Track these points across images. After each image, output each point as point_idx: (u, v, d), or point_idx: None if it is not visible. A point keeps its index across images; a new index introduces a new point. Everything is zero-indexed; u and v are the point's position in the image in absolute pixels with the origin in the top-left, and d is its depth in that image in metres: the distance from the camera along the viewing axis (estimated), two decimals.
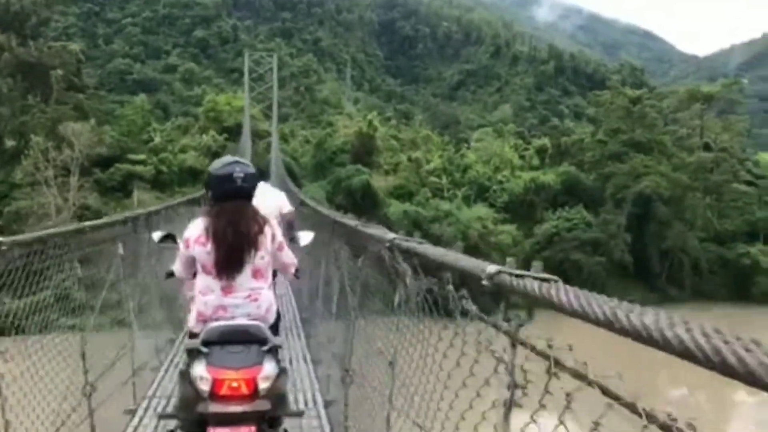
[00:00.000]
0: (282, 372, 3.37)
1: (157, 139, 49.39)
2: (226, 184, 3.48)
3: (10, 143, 44.32)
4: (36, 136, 41.25)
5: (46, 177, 40.45)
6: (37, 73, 45.19)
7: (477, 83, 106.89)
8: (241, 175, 3.47)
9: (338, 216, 7.04)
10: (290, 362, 7.68)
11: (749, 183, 51.71)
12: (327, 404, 6.24)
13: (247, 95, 57.24)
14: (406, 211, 43.45)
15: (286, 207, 7.03)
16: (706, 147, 51.28)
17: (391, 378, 3.60)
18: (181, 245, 3.64)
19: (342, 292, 5.89)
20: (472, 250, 45.13)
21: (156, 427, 5.47)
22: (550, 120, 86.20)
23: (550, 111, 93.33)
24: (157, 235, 4.41)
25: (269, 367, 3.23)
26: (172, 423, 3.66)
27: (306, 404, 6.32)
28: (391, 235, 3.57)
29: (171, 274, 3.93)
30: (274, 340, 3.37)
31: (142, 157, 45.94)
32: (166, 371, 7.32)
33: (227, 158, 3.68)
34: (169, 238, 4.28)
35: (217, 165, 3.61)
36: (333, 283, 6.68)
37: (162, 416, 4.90)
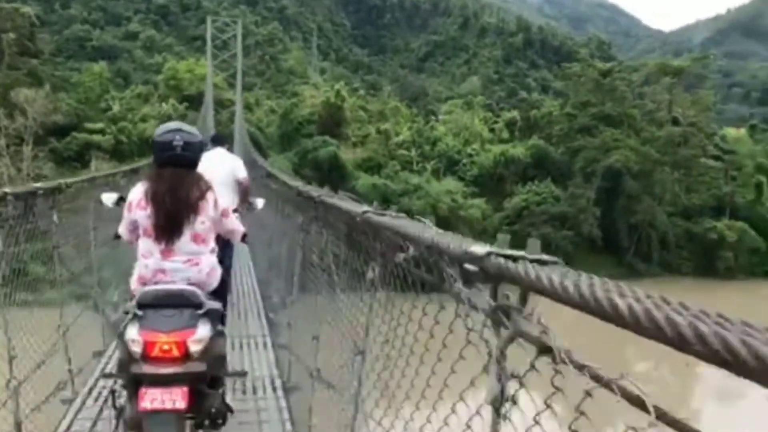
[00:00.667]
0: (218, 334, 3.37)
1: (116, 108, 47.25)
2: (165, 151, 3.49)
3: None
4: None
5: None
6: None
7: (445, 55, 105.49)
8: (181, 143, 3.46)
9: (303, 186, 6.49)
10: (248, 345, 7.41)
11: (716, 158, 51.53)
12: (288, 390, 5.87)
13: (210, 63, 54.67)
14: (375, 185, 42.35)
15: (242, 173, 6.99)
16: (674, 121, 50.91)
17: (360, 368, 3.35)
18: (125, 209, 3.65)
19: (305, 269, 5.67)
20: (441, 224, 44.23)
21: (101, 391, 5.41)
22: (517, 93, 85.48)
23: (518, 84, 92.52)
24: (109, 198, 4.41)
25: (203, 330, 3.23)
26: (114, 382, 3.71)
27: (264, 390, 5.97)
28: (364, 207, 3.26)
29: (118, 236, 3.89)
30: (210, 304, 3.35)
31: (100, 125, 43.83)
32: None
33: (171, 124, 3.63)
34: (123, 200, 4.12)
35: (159, 131, 3.59)
36: (296, 259, 6.27)
37: (104, 375, 5.03)
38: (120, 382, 3.49)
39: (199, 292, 3.36)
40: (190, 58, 65.54)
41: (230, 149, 8.52)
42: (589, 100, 49.68)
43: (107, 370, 5.78)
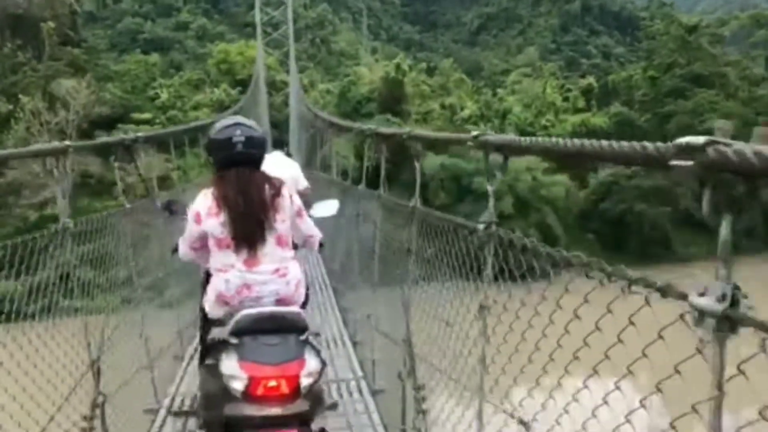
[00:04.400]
0: (324, 366, 2.84)
1: (165, 96, 42.77)
2: (225, 150, 3.06)
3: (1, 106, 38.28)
4: (27, 97, 35.19)
5: (40, 142, 34.56)
6: (26, 26, 38.69)
7: (499, 26, 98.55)
8: (242, 138, 3.03)
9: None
10: (327, 345, 6.84)
11: None
12: (375, 394, 5.31)
13: (260, 41, 48.79)
14: (443, 164, 36.98)
15: (302, 183, 6.49)
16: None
17: (482, 360, 2.94)
18: (190, 220, 3.12)
19: (391, 257, 5.09)
20: (521, 205, 39.12)
21: (183, 427, 4.80)
22: (578, 62, 78.96)
23: (578, 52, 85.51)
24: (159, 202, 4.18)
25: (312, 362, 2.73)
26: (191, 422, 3.41)
27: (351, 394, 5.39)
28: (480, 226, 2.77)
29: (175, 250, 3.37)
30: (314, 328, 2.99)
31: (147, 115, 39.54)
32: (191, 360, 6.25)
33: (229, 119, 3.19)
34: (172, 204, 3.70)
35: (216, 128, 3.13)
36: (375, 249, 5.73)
37: (177, 413, 4.59)
38: (196, 420, 3.05)
39: (302, 312, 2.91)
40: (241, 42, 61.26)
41: (288, 153, 7.76)
42: (675, 60, 43.18)
43: (175, 407, 5.15)
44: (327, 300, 8.80)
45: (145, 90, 43.94)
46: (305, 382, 2.67)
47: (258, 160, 3.15)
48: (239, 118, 3.24)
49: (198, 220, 3.08)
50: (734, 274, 1.38)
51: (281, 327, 2.77)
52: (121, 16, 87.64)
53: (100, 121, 37.47)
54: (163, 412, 5.04)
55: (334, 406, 3.86)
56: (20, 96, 35.12)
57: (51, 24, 38.98)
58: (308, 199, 6.48)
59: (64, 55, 39.50)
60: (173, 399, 5.36)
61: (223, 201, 2.99)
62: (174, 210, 3.70)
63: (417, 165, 4.35)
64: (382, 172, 5.17)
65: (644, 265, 37.18)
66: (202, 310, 3.21)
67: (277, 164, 6.56)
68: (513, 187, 35.11)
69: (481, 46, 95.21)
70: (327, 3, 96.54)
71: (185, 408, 5.04)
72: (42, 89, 36.45)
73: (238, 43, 58.99)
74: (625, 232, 37.52)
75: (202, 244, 3.15)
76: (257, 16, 51.24)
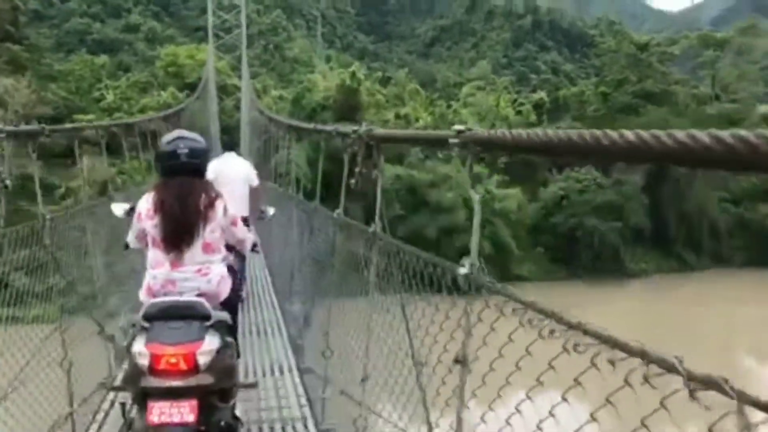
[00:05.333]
0: (226, 345, 3.20)
1: (110, 98, 40.75)
2: (171, 160, 3.38)
3: None
4: None
5: None
6: None
7: (452, 39, 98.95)
8: (185, 150, 3.36)
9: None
10: (264, 332, 7.75)
11: None
12: (303, 371, 6.08)
13: (211, 44, 46.96)
14: (399, 176, 36.17)
15: (255, 180, 6.78)
16: (717, 98, 44.70)
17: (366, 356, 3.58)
18: (134, 217, 3.53)
19: (320, 271, 5.82)
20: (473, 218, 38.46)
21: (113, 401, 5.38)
22: (527, 77, 79.48)
23: (528, 67, 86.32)
24: (120, 208, 4.21)
25: (210, 342, 3.07)
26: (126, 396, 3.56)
27: (281, 371, 6.28)
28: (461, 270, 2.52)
29: (127, 246, 3.80)
30: (218, 315, 3.20)
31: (91, 117, 37.58)
32: None
33: (174, 133, 3.51)
34: (133, 211, 3.82)
35: (164, 140, 3.47)
36: (306, 261, 6.71)
37: (113, 388, 4.98)
38: (128, 395, 3.31)
39: (206, 303, 3.21)
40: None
41: (239, 154, 7.77)
42: (626, 77, 43.37)
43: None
44: (268, 298, 9.61)
45: (91, 91, 41.77)
46: (202, 359, 2.98)
47: (200, 169, 3.45)
48: (183, 132, 3.52)
49: (139, 218, 3.44)
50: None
51: (186, 314, 3.12)
52: (68, 15, 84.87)
53: (41, 123, 35.34)
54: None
55: (253, 385, 4.11)
56: None
57: None
58: (260, 195, 6.95)
59: (3, 52, 37.19)
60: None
61: (160, 205, 3.31)
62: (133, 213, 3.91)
63: (378, 179, 3.94)
64: (343, 190, 4.94)
65: (594, 280, 37.11)
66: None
67: (230, 164, 6.86)
68: (466, 200, 34.50)
69: (435, 58, 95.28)
70: (281, 9, 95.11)
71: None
72: None
73: (188, 46, 57.14)
74: (576, 246, 37.27)
75: (142, 238, 3.48)
76: (209, 18, 49.36)
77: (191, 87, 45.71)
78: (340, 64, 77.08)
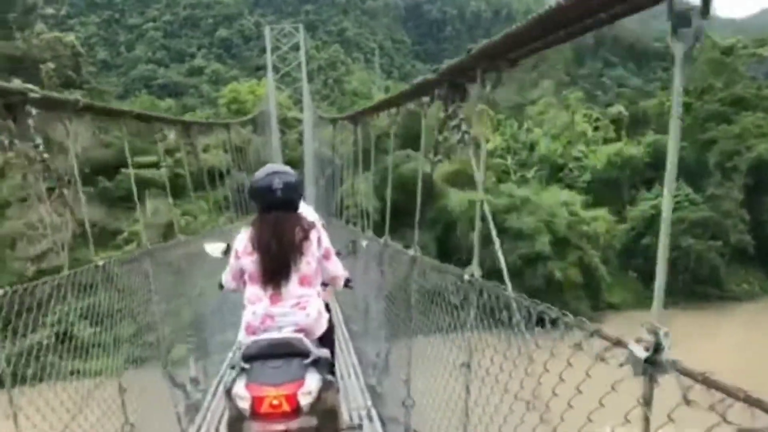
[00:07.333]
0: (327, 384, 3.01)
1: (172, 137, 39.51)
2: (266, 196, 3.38)
3: None
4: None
5: (36, 191, 31.27)
6: (25, 68, 35.66)
7: None
8: (281, 185, 3.36)
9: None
10: (341, 376, 6.92)
11: None
12: (385, 422, 5.65)
13: (270, 77, 45.03)
14: (472, 201, 33.25)
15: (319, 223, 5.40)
16: None
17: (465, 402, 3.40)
18: (232, 256, 3.51)
19: (398, 307, 5.52)
20: (560, 243, 35.23)
21: None
22: (593, 94, 75.80)
23: (593, 85, 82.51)
24: (216, 248, 4.21)
25: (311, 381, 2.91)
26: None
27: (360, 419, 5.78)
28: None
29: (221, 287, 3.71)
30: (318, 352, 3.04)
31: (153, 158, 36.22)
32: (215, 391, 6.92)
33: (268, 167, 3.50)
34: (230, 249, 3.81)
35: (257, 176, 3.45)
36: (383, 298, 6.29)
37: None
38: None
39: (305, 339, 3.09)
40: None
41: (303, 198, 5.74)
42: (711, 84, 39.45)
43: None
44: (342, 338, 8.98)
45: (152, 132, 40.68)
46: (304, 400, 2.84)
47: (295, 203, 3.45)
48: (276, 166, 3.52)
49: (237, 256, 3.43)
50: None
51: (285, 351, 2.98)
52: (134, 63, 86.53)
53: (103, 167, 34.21)
54: None
55: (357, 427, 3.97)
56: (16, 142, 31.89)
57: (51, 65, 35.93)
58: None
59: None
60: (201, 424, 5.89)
61: (257, 242, 3.31)
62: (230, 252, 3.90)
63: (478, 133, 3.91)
64: (387, 216, 5.23)
65: (694, 305, 33.16)
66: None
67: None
68: (550, 224, 31.27)
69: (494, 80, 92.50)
70: (339, 44, 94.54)
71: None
72: (42, 134, 33.24)
73: (249, 81, 56.15)
74: (671, 269, 33.37)
75: (240, 275, 3.44)
76: (268, 52, 47.90)
77: (254, 123, 44.38)
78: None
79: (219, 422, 5.70)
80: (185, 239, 7.90)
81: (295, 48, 47.85)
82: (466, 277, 3.49)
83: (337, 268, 3.63)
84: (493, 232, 3.35)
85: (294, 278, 3.25)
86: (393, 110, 5.58)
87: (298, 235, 3.30)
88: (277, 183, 3.30)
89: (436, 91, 3.49)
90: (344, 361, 8.05)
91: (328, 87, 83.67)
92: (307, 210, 6.13)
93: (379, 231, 7.32)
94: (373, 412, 6.07)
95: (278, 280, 3.23)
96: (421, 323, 4.62)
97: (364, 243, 5.14)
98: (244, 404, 2.82)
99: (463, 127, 2.91)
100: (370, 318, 7.68)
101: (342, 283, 3.79)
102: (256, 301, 3.26)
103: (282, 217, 3.32)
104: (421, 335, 4.63)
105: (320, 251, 3.41)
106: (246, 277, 3.35)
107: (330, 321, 3.55)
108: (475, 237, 3.56)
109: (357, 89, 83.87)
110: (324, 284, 3.66)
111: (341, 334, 9.36)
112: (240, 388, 2.87)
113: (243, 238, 3.38)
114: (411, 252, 4.99)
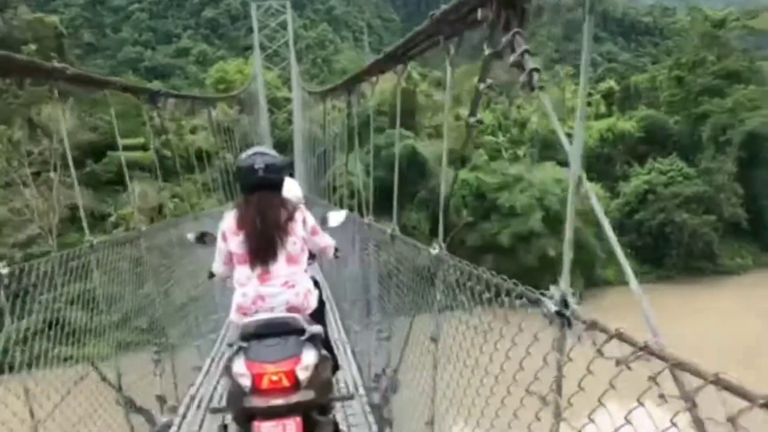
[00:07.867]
0: (323, 359, 3.15)
1: (158, 119, 38.68)
2: (249, 176, 3.39)
3: None
4: (7, 127, 31.08)
5: (21, 175, 30.49)
6: (6, 49, 34.55)
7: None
8: (262, 165, 3.36)
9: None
10: (337, 349, 6.97)
11: None
12: (368, 391, 5.89)
13: (258, 55, 44.42)
14: (465, 180, 32.78)
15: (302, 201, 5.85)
16: None
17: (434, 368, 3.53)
18: (219, 239, 3.47)
19: (384, 290, 5.57)
20: (552, 221, 34.78)
21: (202, 421, 5.48)
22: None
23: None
24: (191, 235, 4.21)
25: (308, 357, 3.02)
26: (222, 417, 3.58)
27: (347, 389, 6.09)
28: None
29: (212, 275, 3.74)
30: (312, 329, 3.11)
31: (140, 140, 35.38)
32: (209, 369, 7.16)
33: (252, 149, 3.51)
34: (205, 236, 4.06)
35: (241, 156, 3.50)
36: (370, 282, 6.31)
37: (213, 410, 4.73)
38: (230, 416, 3.24)
39: (299, 317, 3.17)
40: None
41: (291, 174, 7.44)
42: (704, 57, 38.93)
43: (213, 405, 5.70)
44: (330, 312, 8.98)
45: (139, 115, 39.84)
46: (302, 374, 2.93)
47: (278, 184, 3.46)
48: (259, 148, 3.53)
49: (224, 238, 3.41)
50: None
51: (281, 330, 3.06)
52: (121, 45, 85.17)
53: (91, 150, 33.41)
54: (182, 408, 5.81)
55: (350, 397, 4.05)
56: (5, 126, 31.14)
57: (32, 47, 34.83)
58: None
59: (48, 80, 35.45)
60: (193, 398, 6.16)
61: (242, 222, 3.32)
62: (206, 241, 4.02)
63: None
64: (394, 204, 4.88)
65: (688, 280, 32.96)
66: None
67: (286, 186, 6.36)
68: (542, 201, 30.86)
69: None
70: (327, 23, 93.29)
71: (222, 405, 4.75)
72: (26, 117, 32.38)
73: (236, 60, 55.12)
74: (665, 244, 33.17)
75: (230, 259, 3.41)
76: (255, 31, 46.82)
77: (242, 102, 43.50)
78: None
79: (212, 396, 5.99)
80: (175, 221, 7.89)
81: (283, 26, 46.70)
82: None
83: (325, 239, 3.73)
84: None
85: (281, 257, 3.27)
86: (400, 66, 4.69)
87: (282, 215, 3.31)
88: (260, 163, 3.32)
89: (479, 11, 2.40)
90: (331, 333, 8.35)
91: (317, 66, 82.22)
92: (291, 185, 5.80)
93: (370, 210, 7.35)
94: (358, 381, 6.41)
95: (266, 259, 3.25)
96: (399, 302, 4.61)
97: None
98: (245, 381, 2.91)
99: (530, 63, 2.07)
100: (350, 297, 7.81)
101: (331, 253, 3.85)
102: (245, 282, 3.27)
103: (265, 196, 3.33)
104: (402, 316, 4.65)
105: (306, 230, 3.45)
106: (234, 258, 3.35)
107: (320, 297, 3.61)
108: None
109: (346, 68, 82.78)
110: (312, 256, 3.76)
111: (329, 308, 9.47)
112: (240, 366, 2.95)
113: (229, 219, 3.38)
114: (389, 230, 4.90)
